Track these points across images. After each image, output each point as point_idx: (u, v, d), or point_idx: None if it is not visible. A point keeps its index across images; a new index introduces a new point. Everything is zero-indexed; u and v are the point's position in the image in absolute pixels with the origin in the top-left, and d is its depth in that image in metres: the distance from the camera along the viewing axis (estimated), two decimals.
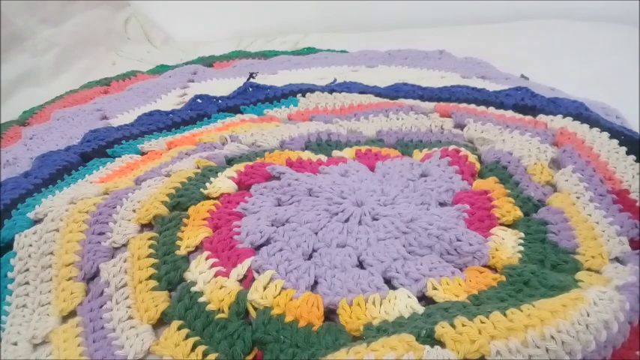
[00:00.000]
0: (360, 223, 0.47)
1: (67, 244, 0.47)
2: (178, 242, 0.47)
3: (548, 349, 0.32)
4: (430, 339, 0.34)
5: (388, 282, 0.42)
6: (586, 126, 0.60)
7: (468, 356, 0.32)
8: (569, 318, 0.34)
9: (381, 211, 0.48)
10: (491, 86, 0.77)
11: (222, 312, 0.40)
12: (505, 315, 0.34)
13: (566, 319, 0.33)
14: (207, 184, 0.53)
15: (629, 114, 0.69)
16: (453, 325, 0.34)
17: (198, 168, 0.56)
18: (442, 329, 0.34)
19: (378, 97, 0.75)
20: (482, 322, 0.34)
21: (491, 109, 0.69)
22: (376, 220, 0.47)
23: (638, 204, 0.49)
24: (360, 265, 0.44)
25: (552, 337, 0.33)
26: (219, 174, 0.54)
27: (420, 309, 0.38)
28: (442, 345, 0.33)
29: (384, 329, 0.36)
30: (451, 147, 0.58)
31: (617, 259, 0.45)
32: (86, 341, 0.41)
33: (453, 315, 0.35)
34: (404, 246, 0.45)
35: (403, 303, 0.39)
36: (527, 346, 0.32)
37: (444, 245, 0.45)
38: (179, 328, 0.39)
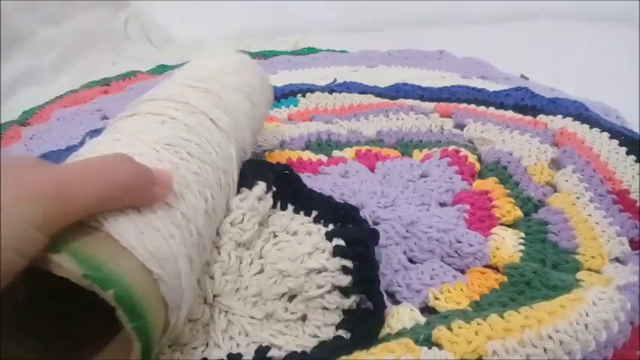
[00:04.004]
0: None
1: None
2: None
3: (546, 348, 0.32)
4: (428, 342, 0.34)
5: (391, 295, 0.42)
6: (586, 126, 0.60)
7: (465, 357, 0.32)
8: (567, 318, 0.34)
9: (381, 214, 0.48)
10: (492, 86, 0.77)
11: None
12: (502, 317, 0.34)
13: (564, 319, 0.33)
14: None
15: (629, 114, 0.69)
16: (449, 328, 0.34)
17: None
18: (439, 332, 0.34)
19: (378, 97, 0.75)
20: (478, 324, 0.34)
21: (492, 109, 0.69)
22: (377, 224, 0.47)
23: (638, 204, 0.49)
24: None
25: (550, 337, 0.33)
26: None
27: (423, 320, 0.38)
28: (440, 347, 0.33)
29: (386, 340, 0.36)
30: (451, 147, 0.58)
31: (617, 260, 0.45)
32: None
33: (451, 320, 0.35)
34: (404, 252, 0.45)
35: (406, 317, 0.39)
36: (525, 346, 0.32)
37: (445, 248, 0.45)
38: None
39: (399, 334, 0.37)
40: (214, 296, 0.38)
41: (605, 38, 0.97)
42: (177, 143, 0.36)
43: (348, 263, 0.37)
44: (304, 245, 0.39)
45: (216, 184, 0.37)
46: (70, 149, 0.66)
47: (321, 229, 0.40)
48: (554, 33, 1.03)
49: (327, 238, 0.39)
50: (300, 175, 0.53)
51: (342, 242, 0.38)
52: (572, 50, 0.95)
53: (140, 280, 0.27)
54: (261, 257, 0.40)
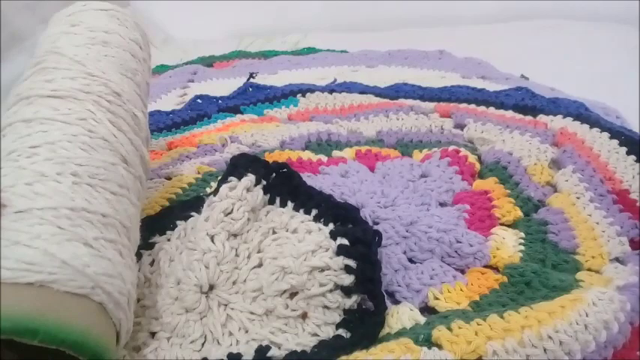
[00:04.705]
0: None
1: None
2: None
3: (545, 348, 0.32)
4: (427, 342, 0.34)
5: (391, 295, 0.42)
6: (586, 126, 0.60)
7: (465, 357, 0.32)
8: (567, 318, 0.34)
9: (381, 214, 0.48)
10: (492, 86, 0.77)
11: None
12: (502, 317, 0.34)
13: (564, 320, 0.34)
14: (208, 190, 0.53)
15: (629, 114, 0.69)
16: (449, 329, 0.34)
17: (199, 173, 0.56)
18: (439, 332, 0.34)
19: (378, 97, 0.75)
20: (478, 325, 0.34)
21: (492, 109, 0.69)
22: (377, 224, 0.47)
23: (638, 204, 0.49)
24: None
25: (549, 337, 0.33)
26: (219, 179, 0.54)
27: (422, 320, 0.38)
28: (439, 347, 0.33)
29: (386, 339, 0.36)
30: (451, 147, 0.58)
31: (617, 260, 0.45)
32: None
33: (451, 320, 0.35)
34: (404, 252, 0.45)
35: (406, 316, 0.39)
36: (524, 346, 0.32)
37: (445, 248, 0.45)
38: None
39: (399, 333, 0.37)
40: (211, 287, 0.38)
41: (605, 38, 0.97)
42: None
43: (352, 263, 0.37)
44: (307, 243, 0.39)
45: (83, 148, 0.35)
46: None
47: (322, 228, 0.40)
48: (554, 33, 1.03)
49: (331, 237, 0.39)
50: (301, 175, 0.54)
51: (346, 242, 0.38)
52: (572, 50, 0.95)
53: (21, 296, 0.28)
54: (259, 251, 0.40)
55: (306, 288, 0.37)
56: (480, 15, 1.15)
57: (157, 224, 0.45)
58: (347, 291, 0.37)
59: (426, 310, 0.41)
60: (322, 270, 0.37)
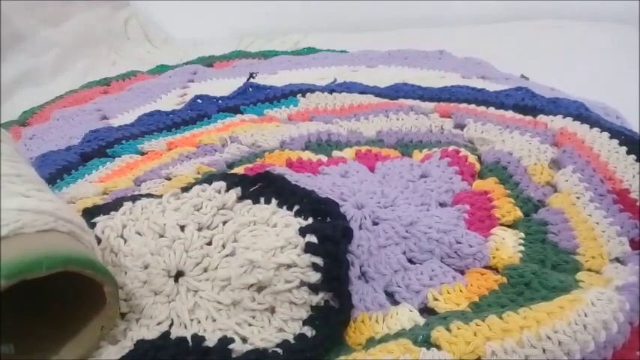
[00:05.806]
0: (360, 227, 0.47)
1: None
2: None
3: (544, 349, 0.32)
4: (427, 343, 0.34)
5: (390, 295, 0.42)
6: (586, 126, 0.60)
7: (464, 357, 0.33)
8: (566, 319, 0.34)
9: (381, 214, 0.48)
10: (492, 86, 0.77)
11: None
12: (501, 318, 0.35)
13: (563, 320, 0.34)
14: None
15: (629, 114, 0.69)
16: (448, 329, 0.34)
17: (199, 174, 0.56)
18: (437, 333, 0.34)
19: (378, 97, 0.75)
20: (477, 325, 0.34)
21: (492, 109, 0.69)
22: (376, 224, 0.47)
23: (638, 204, 0.49)
24: (363, 275, 0.44)
25: (548, 338, 0.33)
26: None
27: (422, 321, 0.39)
28: (438, 348, 0.33)
29: (385, 340, 0.36)
30: (451, 147, 0.58)
31: (617, 260, 0.45)
32: None
33: (450, 321, 0.35)
34: (404, 253, 0.45)
35: (405, 317, 0.39)
36: (523, 347, 0.33)
37: (444, 249, 0.45)
38: None
39: (398, 334, 0.37)
40: (181, 273, 0.39)
41: (605, 38, 0.97)
42: None
43: (319, 260, 0.38)
44: (278, 238, 0.39)
45: None
46: (70, 149, 0.66)
47: (301, 223, 0.41)
48: (554, 33, 1.02)
49: (300, 234, 0.39)
50: (300, 175, 0.54)
51: (314, 239, 0.38)
52: (572, 50, 0.95)
53: (7, 247, 0.30)
54: (235, 241, 0.41)
55: (273, 284, 0.38)
56: (480, 15, 1.15)
57: (102, 209, 0.46)
58: (314, 288, 0.38)
59: (426, 310, 0.41)
60: (289, 267, 0.38)
